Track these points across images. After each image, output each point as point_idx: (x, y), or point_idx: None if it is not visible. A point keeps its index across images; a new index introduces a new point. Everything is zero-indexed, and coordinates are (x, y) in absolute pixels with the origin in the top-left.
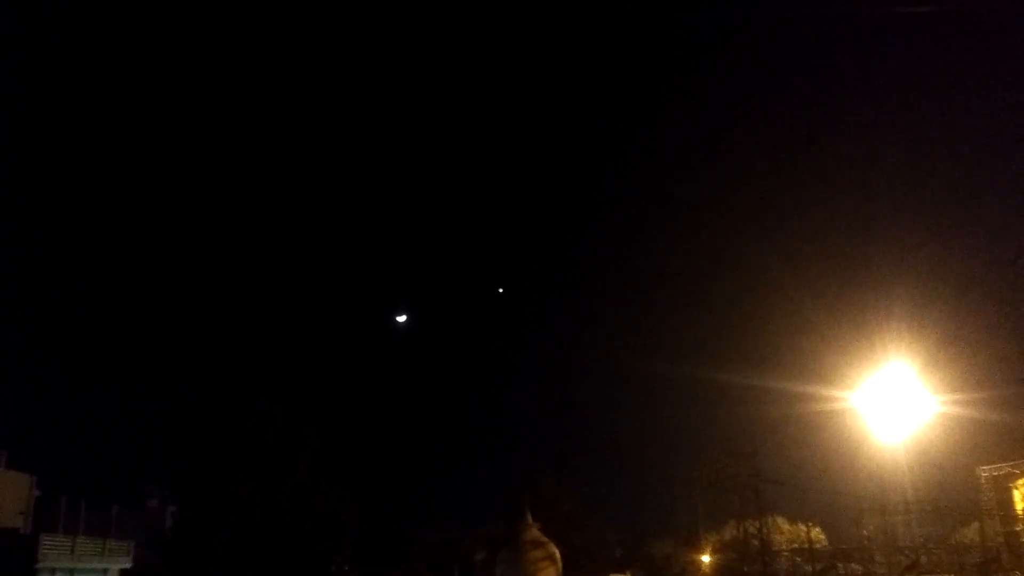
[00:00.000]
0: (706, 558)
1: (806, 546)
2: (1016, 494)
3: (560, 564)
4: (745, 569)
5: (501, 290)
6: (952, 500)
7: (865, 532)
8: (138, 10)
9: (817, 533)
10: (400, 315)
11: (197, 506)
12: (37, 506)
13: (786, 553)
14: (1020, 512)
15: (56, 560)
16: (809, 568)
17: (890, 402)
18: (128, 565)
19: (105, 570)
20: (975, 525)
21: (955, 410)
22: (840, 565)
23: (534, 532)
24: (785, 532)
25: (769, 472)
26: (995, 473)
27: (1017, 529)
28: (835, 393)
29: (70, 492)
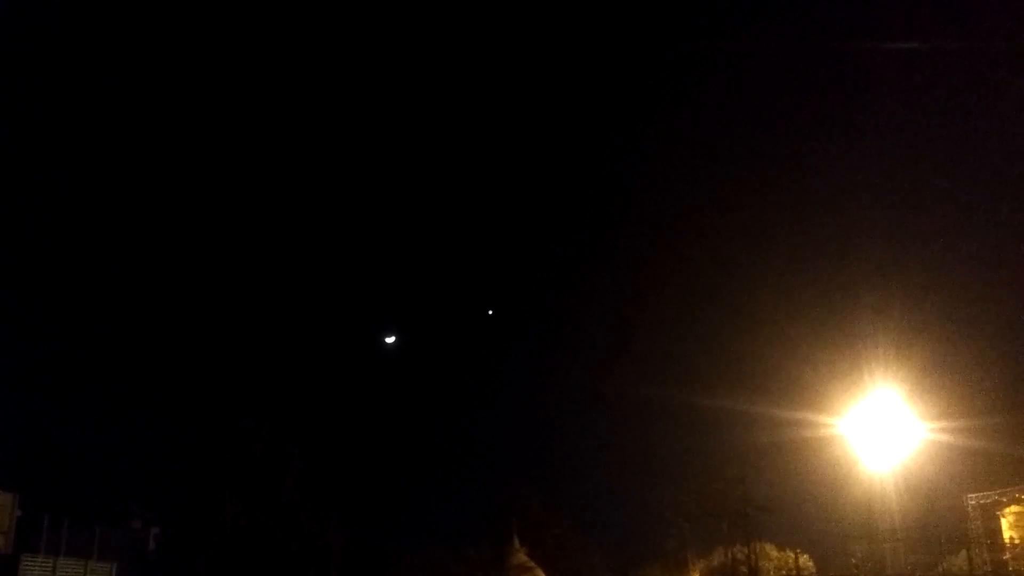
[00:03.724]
0: None
1: (794, 573)
2: (1004, 522)
3: None
4: None
5: (490, 312)
6: (940, 528)
7: (853, 559)
8: (138, 10)
9: (805, 560)
10: (388, 335)
11: (181, 527)
12: (19, 526)
13: None
14: (1008, 541)
15: None
16: None
17: (878, 429)
18: None
19: None
20: (963, 553)
21: (943, 438)
22: None
23: (521, 556)
24: (773, 559)
25: (757, 498)
26: (983, 501)
27: (1005, 558)
28: (823, 419)
29: (52, 512)
